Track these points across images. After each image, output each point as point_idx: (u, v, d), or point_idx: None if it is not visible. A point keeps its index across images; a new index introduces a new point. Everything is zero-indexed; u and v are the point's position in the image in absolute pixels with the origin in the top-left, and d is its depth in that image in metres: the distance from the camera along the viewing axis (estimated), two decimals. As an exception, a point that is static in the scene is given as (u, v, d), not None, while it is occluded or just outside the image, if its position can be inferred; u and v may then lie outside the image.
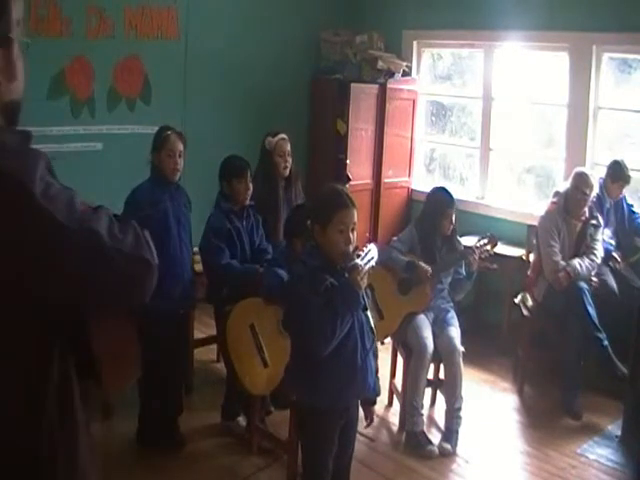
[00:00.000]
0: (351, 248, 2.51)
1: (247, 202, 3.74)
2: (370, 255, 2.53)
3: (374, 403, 2.81)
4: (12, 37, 1.18)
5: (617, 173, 4.50)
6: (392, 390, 4.13)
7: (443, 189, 3.99)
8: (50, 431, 1.16)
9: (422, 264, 3.77)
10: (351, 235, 2.50)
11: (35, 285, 1.09)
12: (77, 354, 1.20)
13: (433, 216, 3.87)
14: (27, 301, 1.11)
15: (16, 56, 1.20)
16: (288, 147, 4.10)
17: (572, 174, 4.30)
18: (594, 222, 4.28)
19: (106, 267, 1.12)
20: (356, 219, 2.53)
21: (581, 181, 4.19)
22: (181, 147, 3.49)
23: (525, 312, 4.49)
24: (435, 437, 3.74)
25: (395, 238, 4.05)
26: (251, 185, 3.73)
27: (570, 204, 4.25)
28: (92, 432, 1.27)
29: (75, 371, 1.21)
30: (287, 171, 4.11)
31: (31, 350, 1.14)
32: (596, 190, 4.30)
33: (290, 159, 4.10)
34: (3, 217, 1.06)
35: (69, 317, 1.18)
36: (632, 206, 4.72)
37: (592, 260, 4.23)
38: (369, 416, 2.81)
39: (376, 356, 2.71)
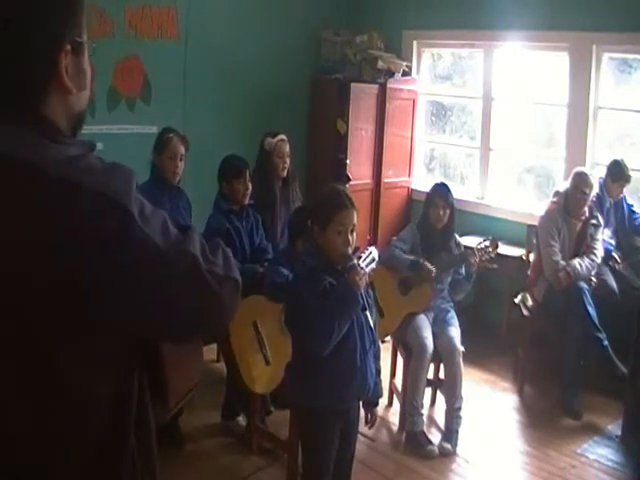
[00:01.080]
0: (350, 249, 2.51)
1: (246, 202, 3.75)
2: (371, 257, 2.53)
3: (376, 405, 2.80)
4: (83, 42, 1.11)
5: (617, 173, 4.50)
6: (392, 390, 4.13)
7: (439, 184, 4.03)
8: (132, 462, 1.11)
9: (427, 263, 3.77)
10: (350, 236, 2.49)
11: (133, 311, 1.02)
12: (151, 378, 1.15)
13: (426, 208, 3.90)
14: (123, 328, 1.04)
15: (86, 63, 1.12)
16: (287, 148, 4.10)
17: (572, 174, 4.30)
18: (594, 222, 4.28)
19: (203, 291, 1.06)
20: (356, 220, 2.53)
21: (581, 181, 4.19)
22: (183, 150, 3.50)
23: (525, 312, 4.48)
24: (435, 437, 3.74)
25: (395, 238, 4.05)
26: (250, 185, 3.73)
27: (570, 204, 4.25)
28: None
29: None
30: (285, 172, 4.10)
31: (118, 378, 1.08)
32: (596, 190, 4.30)
33: (288, 160, 4.10)
34: (101, 241, 0.97)
35: (158, 341, 1.13)
36: (632, 206, 4.72)
37: (592, 260, 4.23)
38: (372, 417, 2.81)
39: (378, 357, 2.71)
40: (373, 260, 2.54)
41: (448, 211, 3.85)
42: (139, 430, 1.13)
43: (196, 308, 1.07)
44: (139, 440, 1.13)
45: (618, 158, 4.53)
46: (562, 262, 4.20)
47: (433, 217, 3.86)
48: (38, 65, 1.05)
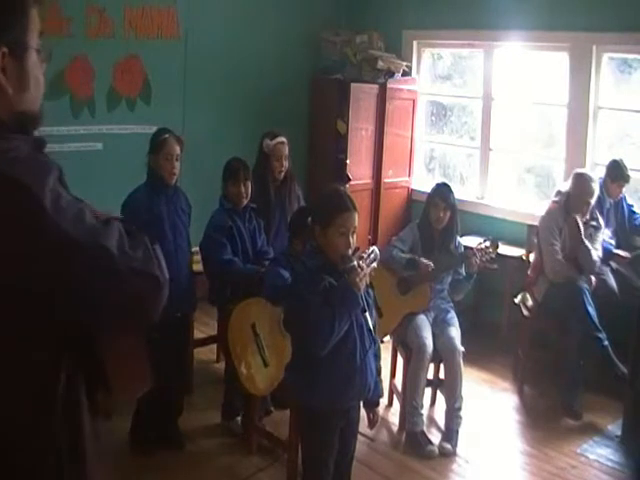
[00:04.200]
0: (350, 251, 2.51)
1: (243, 203, 3.73)
2: (373, 255, 2.54)
3: (377, 404, 2.80)
4: (29, 45, 1.14)
5: (617, 173, 4.50)
6: (392, 390, 4.13)
7: (440, 184, 4.03)
8: (59, 456, 1.14)
9: (423, 260, 3.76)
10: (351, 239, 2.50)
11: (43, 300, 1.05)
12: (86, 369, 1.17)
13: (427, 208, 3.90)
14: (36, 316, 1.07)
15: (31, 66, 1.15)
16: (286, 151, 4.07)
17: (574, 178, 4.24)
18: (594, 223, 4.28)
19: (114, 283, 1.09)
20: (357, 222, 2.53)
21: (584, 190, 4.14)
22: (178, 150, 3.47)
23: (525, 312, 4.48)
24: (435, 437, 3.74)
25: (395, 237, 4.05)
26: (247, 187, 3.71)
27: (572, 208, 4.23)
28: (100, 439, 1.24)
29: (84, 386, 1.18)
30: (282, 175, 4.08)
31: (41, 368, 1.10)
32: (596, 191, 4.29)
33: (287, 162, 4.08)
34: (11, 228, 1.02)
35: (77, 333, 1.14)
36: (632, 206, 4.72)
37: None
38: (373, 417, 2.80)
39: (379, 357, 2.71)
40: (375, 259, 2.54)
41: (449, 213, 3.83)
42: (71, 425, 1.15)
43: (105, 300, 1.09)
44: (69, 425, 1.15)
45: (617, 158, 4.53)
46: (563, 261, 4.20)
47: (433, 218, 3.84)
48: None
